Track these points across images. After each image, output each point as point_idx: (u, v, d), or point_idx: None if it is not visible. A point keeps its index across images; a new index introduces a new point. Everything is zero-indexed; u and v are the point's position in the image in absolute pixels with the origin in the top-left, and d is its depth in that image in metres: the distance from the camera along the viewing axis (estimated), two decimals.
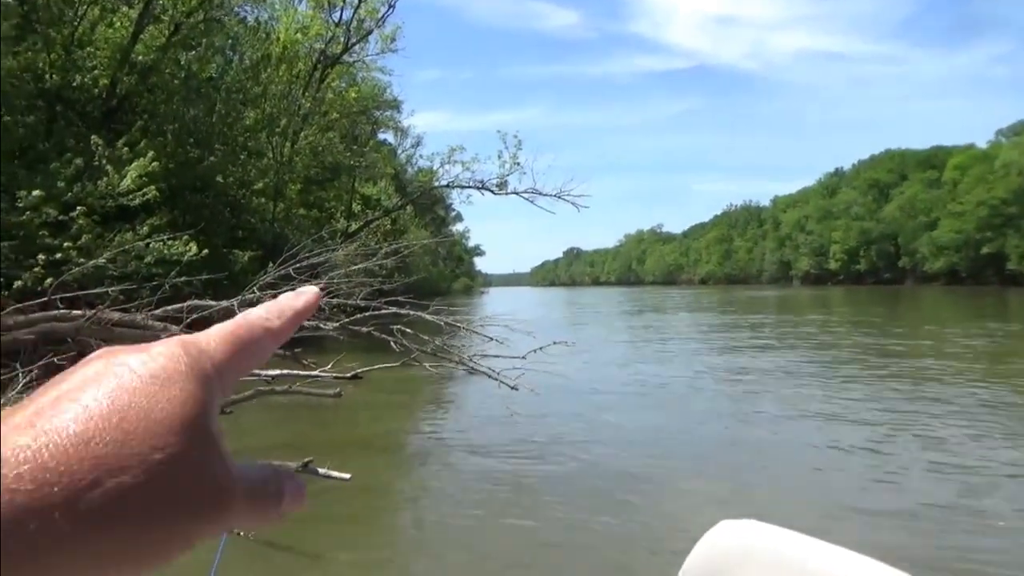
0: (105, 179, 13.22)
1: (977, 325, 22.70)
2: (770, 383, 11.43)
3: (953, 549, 4.43)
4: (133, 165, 13.65)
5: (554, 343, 9.69)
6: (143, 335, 7.45)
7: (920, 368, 12.61)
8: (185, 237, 12.76)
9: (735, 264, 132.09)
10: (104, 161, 13.67)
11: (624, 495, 5.76)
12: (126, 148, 14.17)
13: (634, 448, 7.36)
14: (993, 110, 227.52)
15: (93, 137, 14.01)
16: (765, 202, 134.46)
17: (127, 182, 13.43)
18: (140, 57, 17.81)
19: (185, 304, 7.85)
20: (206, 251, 13.20)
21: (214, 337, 0.35)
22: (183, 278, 9.55)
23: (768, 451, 7.30)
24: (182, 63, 19.01)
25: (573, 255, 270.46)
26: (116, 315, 7.28)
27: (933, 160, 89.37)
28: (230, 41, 21.87)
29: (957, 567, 4.13)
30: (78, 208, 12.48)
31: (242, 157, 21.11)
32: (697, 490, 5.93)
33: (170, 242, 12.54)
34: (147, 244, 12.04)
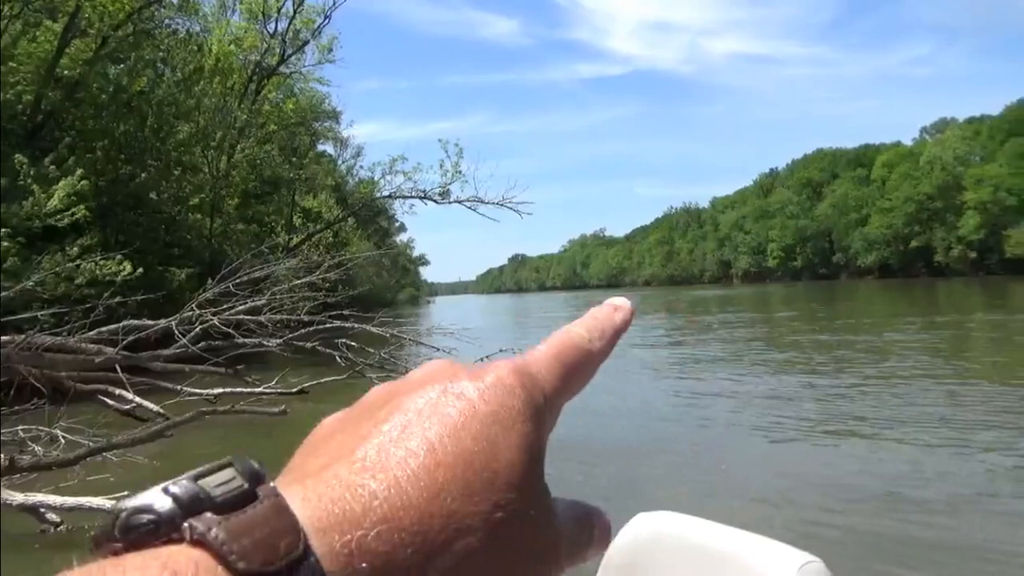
0: (31, 199, 12.75)
1: (906, 315, 23.64)
2: (695, 381, 11.68)
3: (862, 532, 4.60)
4: (61, 184, 13.21)
5: (501, 351, 9.73)
6: (76, 359, 7.22)
7: (842, 360, 13.06)
8: (118, 257, 12.42)
9: (677, 265, 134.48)
10: (29, 180, 13.18)
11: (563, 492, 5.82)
12: (53, 166, 13.70)
13: (569, 449, 7.43)
14: (916, 109, 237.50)
15: (17, 156, 13.51)
16: (704, 203, 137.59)
17: (55, 201, 12.99)
18: (66, 72, 17.23)
19: (120, 325, 7.63)
20: (140, 270, 12.87)
21: (544, 363, 0.33)
22: (117, 299, 9.29)
23: (690, 444, 7.50)
24: (111, 77, 18.45)
25: (518, 261, 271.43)
26: (47, 339, 7.04)
27: (862, 158, 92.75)
28: (161, 54, 21.33)
29: (862, 547, 4.30)
30: (2, 230, 12.01)
31: (176, 172, 20.59)
32: (618, 486, 6.04)
33: (102, 262, 12.17)
34: (78, 265, 11.67)
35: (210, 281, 10.36)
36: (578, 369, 0.34)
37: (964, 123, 79.38)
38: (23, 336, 6.76)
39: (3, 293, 8.44)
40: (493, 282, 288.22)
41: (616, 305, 0.40)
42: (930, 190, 71.92)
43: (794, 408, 8.71)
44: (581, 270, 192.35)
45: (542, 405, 0.31)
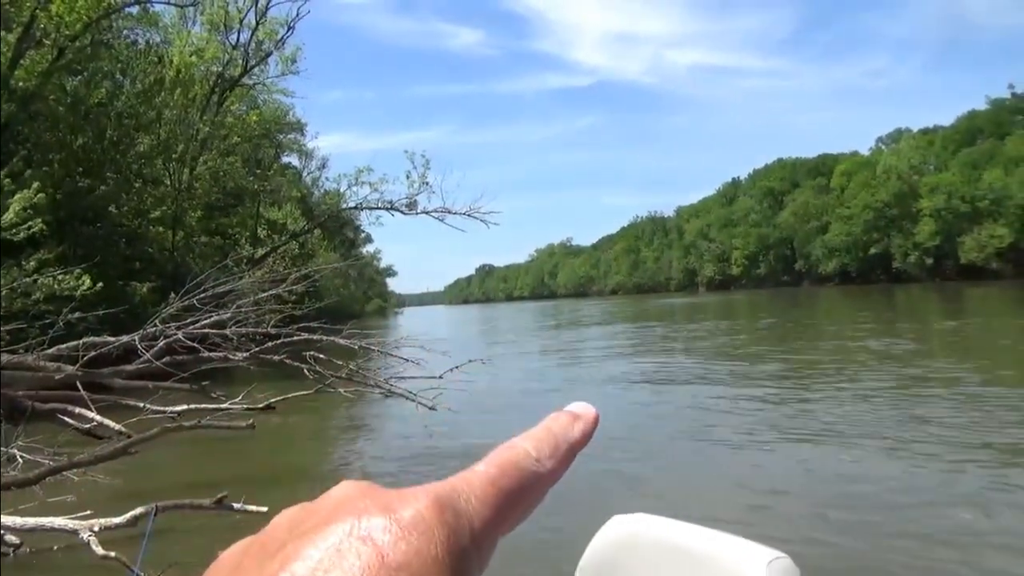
0: None
1: (864, 320, 24.12)
2: (660, 386, 11.82)
3: (830, 533, 4.70)
4: (16, 197, 12.88)
5: (470, 361, 9.72)
6: (34, 377, 7.03)
7: (808, 363, 13.32)
8: (77, 271, 12.14)
9: (644, 274, 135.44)
10: None
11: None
12: (8, 179, 13.37)
13: None
14: (873, 120, 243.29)
15: None
16: (669, 212, 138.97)
17: (9, 215, 12.66)
18: (21, 83, 16.85)
19: (80, 342, 7.46)
20: (100, 284, 12.59)
21: (476, 492, 0.28)
22: (77, 314, 9.08)
23: (664, 449, 7.69)
24: (68, 89, 18.10)
25: (485, 271, 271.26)
26: (4, 357, 6.85)
27: (821, 167, 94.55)
28: (120, 65, 20.99)
29: (829, 545, 4.39)
30: None
31: (137, 185, 20.24)
32: (594, 491, 6.08)
33: (61, 277, 11.89)
34: (35, 280, 11.39)
35: (173, 295, 10.19)
36: (521, 496, 0.30)
37: (918, 133, 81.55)
38: None
39: None
40: (461, 292, 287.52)
41: (576, 414, 0.36)
42: (887, 198, 73.56)
43: (765, 414, 8.88)
44: (549, 279, 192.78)
45: (468, 548, 0.26)
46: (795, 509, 5.27)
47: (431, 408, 8.64)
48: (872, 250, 76.65)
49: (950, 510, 5.06)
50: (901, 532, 4.66)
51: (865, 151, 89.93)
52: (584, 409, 0.36)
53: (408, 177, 23.76)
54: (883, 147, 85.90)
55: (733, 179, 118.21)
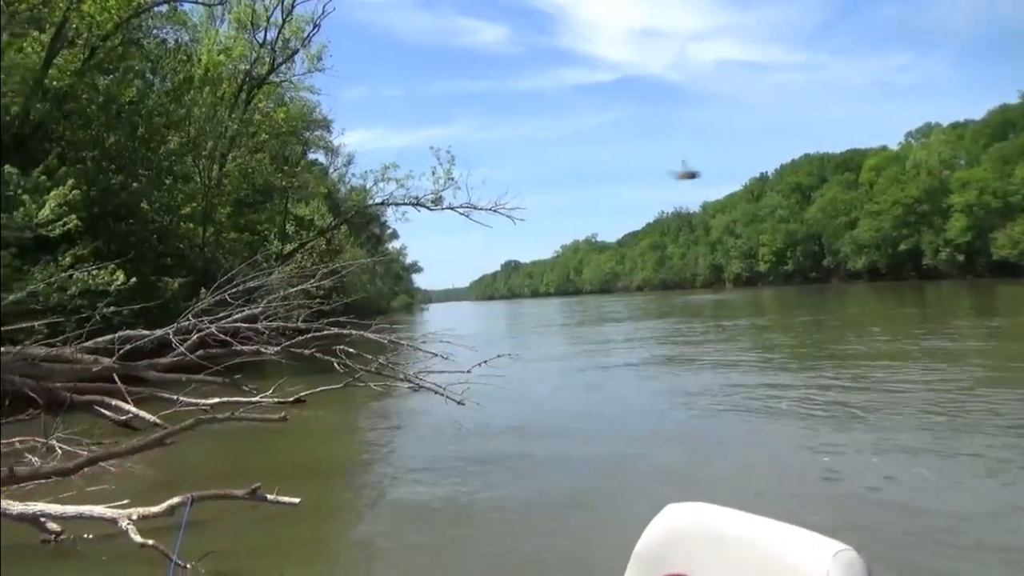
0: (22, 209, 12.66)
1: (902, 318, 23.77)
2: (705, 380, 11.70)
3: (889, 524, 4.62)
4: (51, 194, 13.12)
5: (498, 356, 9.74)
6: (72, 369, 7.16)
7: (853, 358, 13.13)
8: (111, 266, 12.34)
9: (670, 270, 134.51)
10: (20, 191, 13.09)
11: (575, 493, 5.88)
12: (43, 177, 13.61)
13: (577, 448, 7.46)
14: (902, 114, 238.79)
15: (7, 167, 13.42)
16: (695, 208, 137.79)
17: (45, 212, 12.89)
18: (54, 83, 17.15)
19: (116, 335, 7.58)
20: (134, 280, 12.79)
21: None
22: (112, 309, 9.23)
23: (711, 439, 7.61)
24: (100, 88, 18.37)
25: (511, 268, 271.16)
26: (42, 350, 6.98)
27: (849, 162, 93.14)
28: (150, 64, 21.28)
29: (892, 539, 4.31)
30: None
31: (168, 182, 20.51)
32: (645, 480, 6.08)
33: (95, 272, 12.09)
34: (71, 275, 11.59)
35: (204, 290, 10.31)
36: None
37: (948, 128, 79.87)
38: (18, 347, 6.70)
39: None
40: (486, 288, 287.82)
41: None
42: (917, 193, 72.29)
43: (818, 410, 8.68)
44: (574, 276, 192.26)
45: None
46: (856, 503, 5.16)
47: (459, 402, 8.66)
48: (902, 246, 75.38)
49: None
50: (981, 536, 4.50)
51: (894, 146, 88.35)
52: None
53: (433, 173, 23.88)
54: (912, 142, 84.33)
55: (760, 174, 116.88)
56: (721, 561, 1.04)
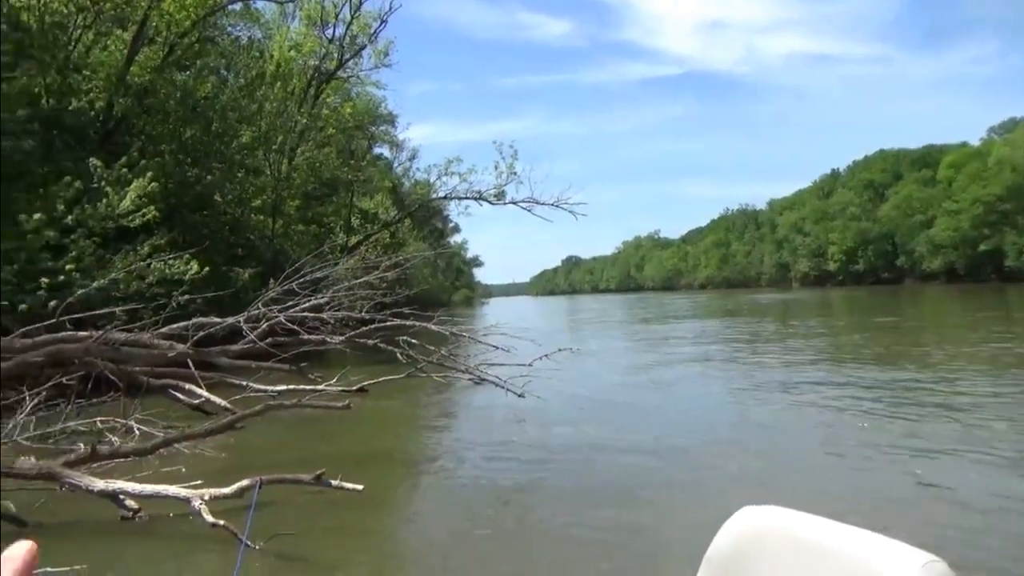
0: (104, 201, 13.24)
1: (985, 322, 22.74)
2: (777, 382, 11.42)
3: (972, 531, 4.42)
4: (132, 186, 13.68)
5: (559, 350, 9.71)
6: (150, 354, 7.45)
7: (932, 364, 12.62)
8: (186, 256, 12.78)
9: (734, 268, 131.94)
10: (103, 183, 13.69)
11: (642, 490, 5.80)
12: (125, 169, 14.19)
13: (647, 445, 7.36)
14: (983, 108, 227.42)
15: (91, 159, 14.05)
16: (761, 205, 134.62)
17: (126, 203, 13.45)
18: (136, 79, 17.87)
19: (190, 322, 7.86)
20: (207, 269, 13.23)
21: None
22: (186, 297, 9.57)
23: (784, 442, 7.42)
24: (177, 83, 19.06)
25: (571, 263, 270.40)
26: (122, 335, 7.29)
27: (927, 159, 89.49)
28: (224, 60, 21.96)
29: (977, 552, 4.12)
30: (78, 230, 12.49)
31: (240, 175, 21.15)
32: (716, 480, 5.95)
33: (171, 261, 12.56)
34: (149, 264, 12.06)
35: (273, 280, 10.60)
36: None
37: None
38: (101, 332, 7.01)
39: (80, 291, 8.78)
40: (547, 284, 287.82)
41: (6, 558, 0.38)
42: (999, 191, 68.89)
43: (904, 412, 8.36)
44: (635, 272, 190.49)
45: None
46: (943, 515, 4.87)
47: (520, 396, 8.68)
48: (982, 247, 71.94)
49: None
50: None
51: (975, 141, 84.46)
52: (19, 551, 0.36)
53: (496, 167, 23.95)
54: (995, 137, 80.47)
55: (832, 171, 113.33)
56: (798, 568, 0.99)
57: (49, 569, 3.95)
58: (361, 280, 11.45)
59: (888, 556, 0.93)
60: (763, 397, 9.95)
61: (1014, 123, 79.33)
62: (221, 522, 4.49)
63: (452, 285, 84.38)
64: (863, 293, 64.20)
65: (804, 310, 38.23)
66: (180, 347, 7.44)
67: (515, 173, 23.49)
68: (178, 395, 8.74)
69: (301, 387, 8.94)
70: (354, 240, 28.57)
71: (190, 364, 8.00)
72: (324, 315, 8.88)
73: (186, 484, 5.05)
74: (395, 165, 44.96)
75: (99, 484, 4.94)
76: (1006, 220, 69.53)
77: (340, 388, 8.97)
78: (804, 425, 8.08)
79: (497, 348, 9.60)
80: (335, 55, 26.09)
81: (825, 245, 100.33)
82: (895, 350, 15.75)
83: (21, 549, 0.39)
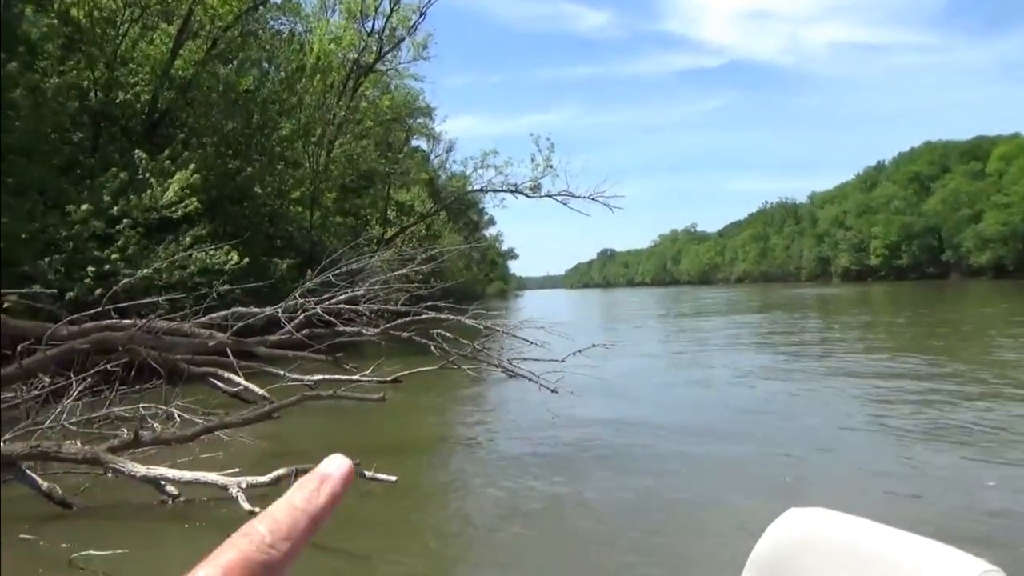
0: (149, 192, 13.55)
1: None
2: (818, 381, 11.24)
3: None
4: (175, 178, 13.97)
5: (593, 345, 9.66)
6: (191, 343, 7.62)
7: (979, 368, 12.29)
8: (226, 247, 13.02)
9: (772, 262, 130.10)
10: (147, 174, 14.00)
11: (683, 490, 5.76)
12: (168, 161, 14.50)
13: (686, 445, 7.30)
14: None
15: (136, 151, 14.38)
16: (802, 199, 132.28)
17: (169, 194, 13.75)
18: (180, 72, 18.22)
19: (230, 312, 8.01)
20: (246, 260, 13.47)
21: None
22: (227, 287, 9.76)
23: (828, 442, 7.27)
24: (220, 76, 19.39)
25: (606, 256, 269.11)
26: (165, 323, 7.47)
27: (976, 151, 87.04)
28: (265, 53, 22.25)
29: None
30: (123, 221, 12.81)
31: (279, 167, 21.45)
32: (759, 481, 5.85)
33: (212, 252, 12.80)
34: (190, 254, 12.32)
35: (310, 271, 10.74)
36: None
37: None
38: (144, 320, 7.19)
39: (124, 280, 9.01)
40: (581, 277, 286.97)
41: (324, 475, 0.36)
42: None
43: (954, 413, 8.19)
44: (671, 266, 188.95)
45: None
46: (1008, 521, 4.73)
47: (553, 391, 8.67)
48: None
49: None
50: None
51: None
52: (336, 467, 0.35)
53: (532, 160, 23.94)
54: None
55: (877, 163, 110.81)
56: (845, 573, 0.96)
57: (93, 552, 4.08)
58: (397, 272, 11.54)
59: (942, 563, 0.89)
60: (807, 397, 9.82)
61: None
62: (257, 509, 4.59)
63: (486, 278, 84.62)
64: (908, 288, 62.77)
65: (845, 306, 37.49)
66: (220, 336, 7.59)
67: (551, 166, 23.48)
68: (217, 383, 8.93)
69: (337, 377, 9.07)
70: (390, 232, 28.82)
71: (229, 353, 8.16)
72: (360, 307, 8.96)
73: (225, 471, 5.17)
74: (432, 157, 45.19)
75: (141, 470, 5.08)
76: None
77: (375, 379, 9.08)
78: (852, 426, 7.90)
79: (530, 343, 9.59)
80: (374, 48, 26.26)
81: (867, 239, 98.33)
82: (950, 350, 15.37)
83: (340, 466, 0.36)
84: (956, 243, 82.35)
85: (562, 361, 8.70)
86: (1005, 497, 5.20)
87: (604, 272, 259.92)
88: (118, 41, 16.91)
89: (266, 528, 0.33)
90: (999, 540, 4.32)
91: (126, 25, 17.20)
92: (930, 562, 0.89)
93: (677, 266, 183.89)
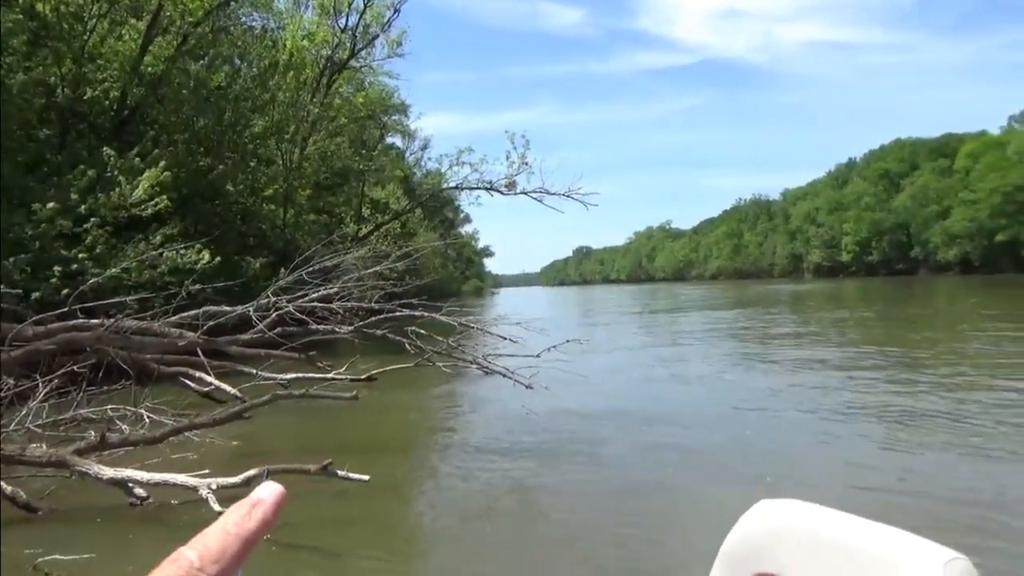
0: (117, 190, 13.34)
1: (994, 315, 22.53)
2: (792, 374, 11.37)
3: (993, 525, 4.39)
4: (145, 175, 13.77)
5: (567, 341, 9.68)
6: (161, 342, 7.52)
7: (949, 360, 12.51)
8: (198, 246, 12.86)
9: (746, 258, 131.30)
10: (116, 172, 13.78)
11: (655, 483, 5.79)
12: (138, 159, 14.28)
13: (658, 439, 7.35)
14: (1005, 96, 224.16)
15: (105, 149, 14.14)
16: (775, 195, 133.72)
17: (139, 192, 13.55)
18: (149, 69, 17.94)
19: (201, 311, 7.92)
20: (218, 259, 13.31)
21: None
22: (197, 286, 9.64)
23: (800, 434, 7.38)
24: (190, 73, 19.12)
25: (582, 254, 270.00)
26: (134, 323, 7.36)
27: (944, 148, 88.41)
28: (237, 50, 21.98)
29: (997, 544, 4.08)
30: (91, 219, 12.60)
31: (252, 164, 21.22)
32: (730, 473, 5.90)
33: (183, 251, 12.64)
34: (161, 253, 12.15)
35: (283, 270, 10.64)
36: None
37: None
38: (112, 320, 7.08)
39: (92, 280, 8.86)
40: (557, 274, 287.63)
41: (256, 501, 0.37)
42: (1019, 181, 68.00)
43: (924, 404, 8.29)
44: (647, 263, 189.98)
45: None
46: (966, 511, 4.79)
47: (528, 387, 8.68)
48: (999, 237, 71.11)
49: None
50: None
51: (995, 130, 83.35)
52: (268, 492, 0.36)
53: (508, 157, 23.86)
54: (1016, 126, 79.43)
55: (848, 160, 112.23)
56: (817, 563, 0.97)
57: (59, 557, 4.01)
58: (371, 270, 11.47)
59: (910, 552, 0.91)
60: (776, 391, 9.89)
61: None
62: None
63: (462, 275, 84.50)
64: (878, 284, 63.74)
65: (819, 302, 37.98)
66: (190, 335, 7.50)
67: (527, 163, 23.41)
68: (189, 383, 8.82)
69: (310, 375, 9.01)
70: (365, 230, 28.63)
71: (200, 352, 8.07)
72: (333, 305, 8.91)
73: (194, 472, 5.11)
74: (407, 155, 44.99)
75: (108, 472, 5.00)
76: None
77: (349, 377, 9.02)
78: (821, 419, 7.97)
79: (505, 339, 9.61)
80: (348, 45, 26.06)
81: (839, 235, 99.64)
82: (925, 343, 15.63)
83: (272, 492, 0.37)
84: (924, 239, 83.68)
85: (537, 356, 8.71)
86: (974, 487, 5.28)
87: (580, 269, 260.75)
88: (86, 36, 16.59)
89: (196, 554, 0.34)
90: (967, 529, 4.39)
91: (94, 20, 16.88)
92: (899, 551, 0.92)
93: (652, 263, 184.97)
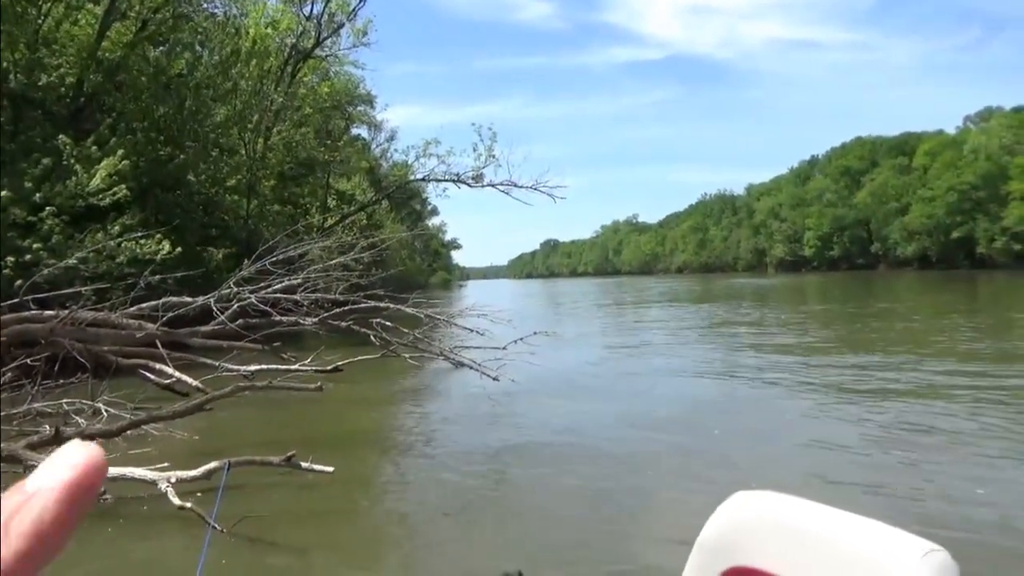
0: (74, 179, 13.00)
1: (974, 312, 23.08)
2: (766, 369, 11.48)
3: (983, 528, 4.42)
4: (102, 164, 13.45)
5: (534, 333, 9.71)
6: (118, 334, 7.34)
7: (907, 349, 12.77)
8: (158, 236, 12.60)
9: (711, 253, 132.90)
10: (72, 161, 13.43)
11: (628, 476, 5.77)
12: (95, 147, 13.93)
13: (630, 431, 7.34)
14: (961, 97, 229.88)
15: (60, 136, 13.76)
16: (739, 191, 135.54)
17: (96, 181, 13.23)
18: (107, 55, 17.47)
19: (161, 301, 7.74)
20: (179, 249, 13.06)
21: None
22: (157, 277, 9.43)
23: (774, 427, 7.41)
24: (150, 60, 18.68)
25: (550, 247, 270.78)
26: (90, 315, 7.17)
27: (903, 146, 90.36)
28: (199, 36, 21.53)
29: (966, 534, 4.13)
30: (47, 208, 12.26)
31: (214, 154, 20.83)
32: (705, 465, 5.89)
33: (142, 241, 12.37)
34: (119, 243, 11.88)
35: (246, 261, 10.47)
36: None
37: (1010, 112, 76.69)
38: (67, 311, 6.89)
39: (47, 270, 8.62)
40: (525, 267, 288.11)
41: (28, 493, 0.27)
42: (973, 179, 69.91)
43: (903, 401, 8.33)
44: (613, 256, 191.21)
45: None
46: (943, 503, 4.81)
47: (495, 378, 8.69)
48: (955, 234, 73.08)
49: None
50: None
51: (951, 130, 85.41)
52: (57, 475, 0.26)
53: (475, 150, 23.77)
54: (971, 126, 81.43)
55: (811, 157, 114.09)
56: (794, 555, 0.96)
57: None
58: (336, 261, 11.35)
59: (888, 544, 0.90)
60: (745, 383, 9.99)
61: (990, 112, 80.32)
62: (188, 504, 4.46)
63: (429, 267, 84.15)
64: (839, 279, 64.94)
65: (781, 296, 38.60)
66: (149, 327, 7.33)
67: (494, 156, 23.34)
68: (148, 375, 8.64)
69: (274, 367, 8.89)
70: (330, 221, 28.31)
71: (159, 344, 7.90)
72: (298, 296, 8.79)
73: (154, 466, 5.00)
74: (373, 146, 44.61)
75: None
76: (979, 208, 70.65)
77: (314, 368, 8.92)
78: (793, 411, 8.04)
79: (472, 331, 9.60)
80: (312, 33, 25.69)
81: (801, 231, 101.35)
82: (886, 335, 15.95)
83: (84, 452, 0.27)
84: (884, 235, 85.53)
85: (503, 349, 8.72)
86: (950, 479, 5.34)
87: (547, 262, 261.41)
88: (40, 20, 16.11)
89: None
90: (944, 521, 4.42)
91: (48, 4, 16.39)
92: (877, 542, 0.91)
93: (619, 257, 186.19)
